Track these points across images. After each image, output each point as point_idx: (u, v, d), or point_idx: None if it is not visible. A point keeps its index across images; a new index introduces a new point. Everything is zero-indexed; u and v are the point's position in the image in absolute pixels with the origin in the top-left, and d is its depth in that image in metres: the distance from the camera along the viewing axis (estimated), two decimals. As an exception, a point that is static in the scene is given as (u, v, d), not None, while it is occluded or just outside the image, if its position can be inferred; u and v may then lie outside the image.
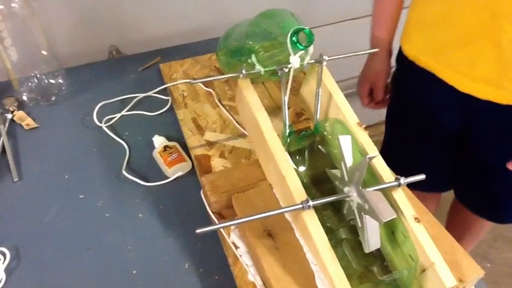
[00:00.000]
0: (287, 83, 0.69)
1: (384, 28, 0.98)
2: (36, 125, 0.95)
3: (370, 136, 0.68)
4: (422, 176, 0.61)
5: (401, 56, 0.96)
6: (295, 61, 0.66)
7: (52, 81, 1.02)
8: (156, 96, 1.00)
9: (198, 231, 0.53)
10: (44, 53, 1.00)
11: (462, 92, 0.83)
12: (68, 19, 1.19)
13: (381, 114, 1.11)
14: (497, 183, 0.96)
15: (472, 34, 0.77)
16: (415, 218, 0.59)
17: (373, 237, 0.57)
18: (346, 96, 0.73)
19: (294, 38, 0.64)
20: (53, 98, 1.01)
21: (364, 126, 0.69)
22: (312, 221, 0.57)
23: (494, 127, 0.87)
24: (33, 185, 0.82)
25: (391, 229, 0.61)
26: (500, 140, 0.88)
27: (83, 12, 1.20)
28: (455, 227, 1.21)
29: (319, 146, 0.71)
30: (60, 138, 0.92)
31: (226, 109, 0.92)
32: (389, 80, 1.05)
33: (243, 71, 0.70)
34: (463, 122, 0.90)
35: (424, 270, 0.57)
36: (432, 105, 0.93)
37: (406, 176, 0.61)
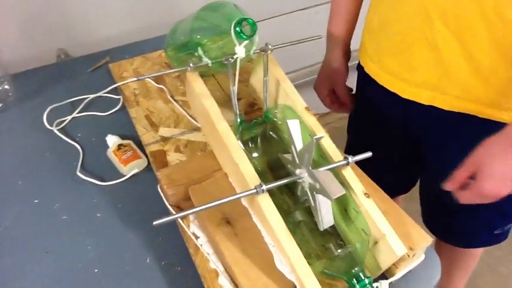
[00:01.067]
0: (234, 73, 0.71)
1: (338, 24, 0.96)
2: (-16, 134, 0.92)
3: (327, 123, 0.71)
4: (369, 154, 0.64)
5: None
6: (240, 51, 0.68)
7: (-2, 88, 1.00)
8: (107, 96, 0.99)
9: (155, 223, 0.55)
10: (-13, 59, 0.97)
11: (404, 98, 0.82)
12: (12, 24, 1.16)
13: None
14: (454, 204, 0.92)
15: (410, 38, 0.76)
16: (365, 194, 0.61)
17: (326, 215, 0.59)
18: (296, 86, 0.75)
19: (237, 28, 0.65)
20: (0, 105, 0.98)
21: (316, 114, 0.71)
22: (266, 204, 0.58)
23: (443, 135, 0.85)
24: (-15, 194, 0.80)
25: (343, 206, 0.64)
26: (452, 151, 0.83)
27: (27, 17, 1.17)
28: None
29: (271, 133, 0.73)
30: (11, 145, 0.90)
31: (179, 104, 0.93)
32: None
33: (191, 64, 0.71)
34: (413, 129, 0.88)
35: (376, 242, 0.60)
36: (383, 110, 0.91)
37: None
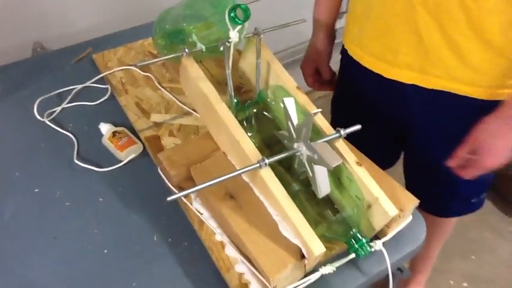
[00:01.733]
0: (228, 57, 0.74)
1: (322, 9, 1.01)
2: (-26, 129, 0.93)
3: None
4: (358, 126, 0.70)
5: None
6: (234, 35, 0.71)
7: (-19, 82, 1.00)
8: (94, 86, 1.01)
9: (168, 199, 0.58)
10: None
11: (388, 78, 0.86)
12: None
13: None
14: (437, 176, 0.99)
15: (392, 22, 0.79)
16: (357, 162, 0.67)
17: (323, 184, 0.64)
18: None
19: (232, 14, 0.69)
20: (-14, 100, 0.99)
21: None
22: (269, 177, 0.63)
23: (425, 113, 0.89)
24: (-17, 187, 0.82)
25: (337, 176, 0.69)
26: (434, 128, 0.90)
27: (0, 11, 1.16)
28: None
29: (264, 113, 0.78)
30: (4, 138, 0.91)
31: (167, 91, 0.96)
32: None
33: (186, 50, 0.74)
34: (396, 107, 0.93)
35: (369, 206, 0.66)
36: (366, 91, 0.96)
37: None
